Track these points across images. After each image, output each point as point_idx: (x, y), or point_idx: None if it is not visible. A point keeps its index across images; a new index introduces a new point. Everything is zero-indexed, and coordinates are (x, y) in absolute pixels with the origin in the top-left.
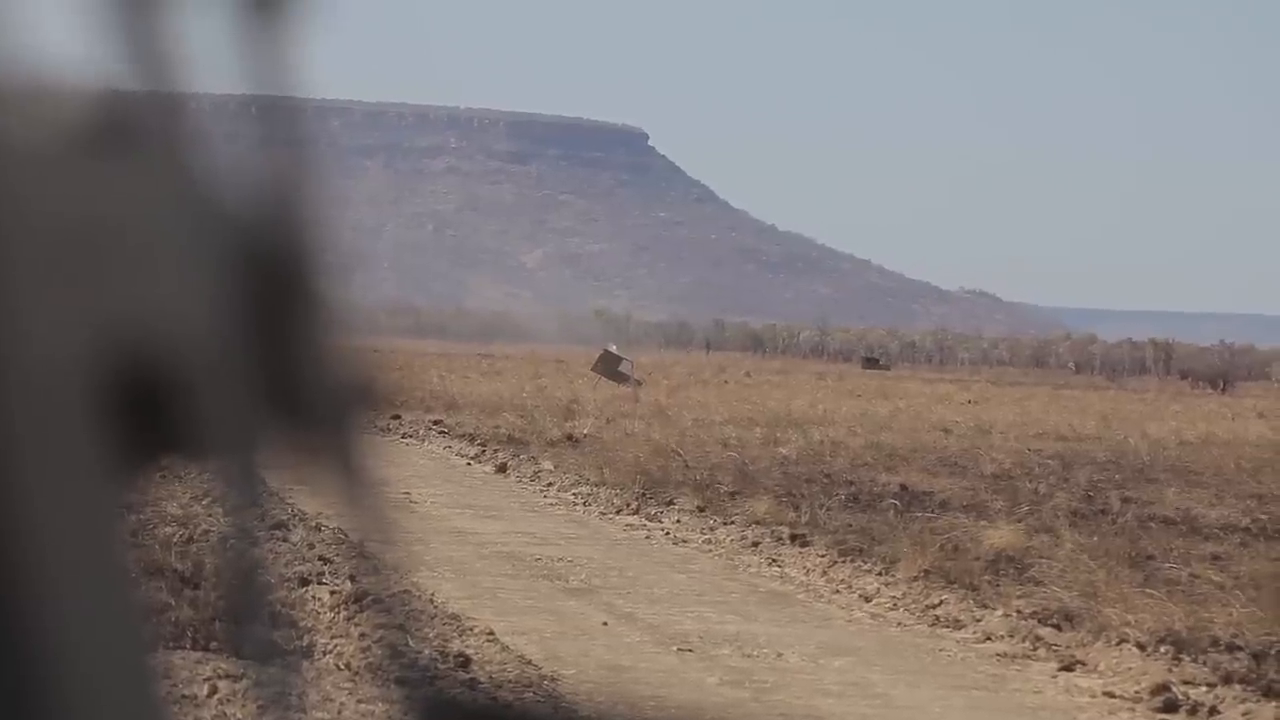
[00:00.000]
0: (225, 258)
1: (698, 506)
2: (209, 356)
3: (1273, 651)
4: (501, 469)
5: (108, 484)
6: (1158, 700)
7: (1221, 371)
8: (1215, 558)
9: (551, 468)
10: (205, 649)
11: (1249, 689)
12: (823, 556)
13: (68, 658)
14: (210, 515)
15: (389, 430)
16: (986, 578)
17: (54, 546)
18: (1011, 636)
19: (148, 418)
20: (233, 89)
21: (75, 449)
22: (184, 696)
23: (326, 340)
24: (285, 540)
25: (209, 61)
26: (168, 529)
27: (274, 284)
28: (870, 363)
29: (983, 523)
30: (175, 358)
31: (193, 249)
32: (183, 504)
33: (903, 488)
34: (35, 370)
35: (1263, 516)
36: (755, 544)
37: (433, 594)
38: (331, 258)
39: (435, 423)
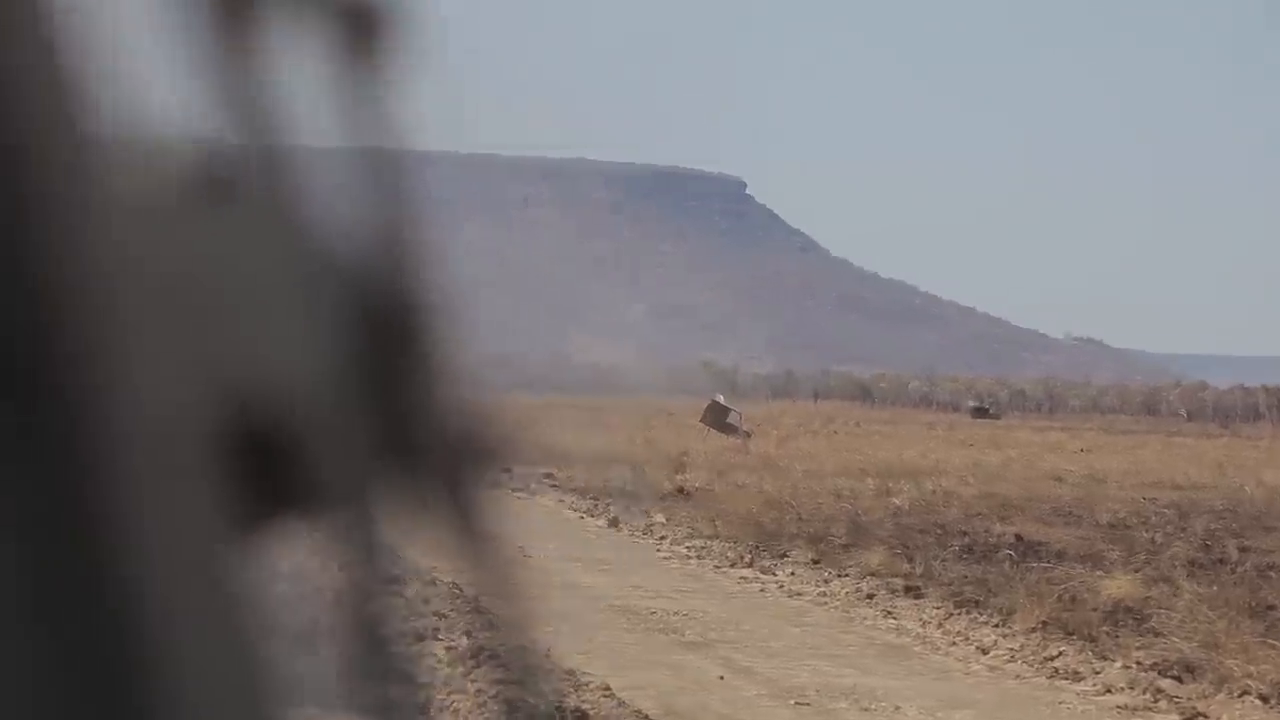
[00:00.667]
0: (336, 308)
1: (812, 559)
2: (323, 408)
3: None
4: (614, 522)
5: (228, 540)
6: None
7: None
8: None
9: (663, 520)
10: (322, 706)
11: None
12: (938, 608)
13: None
14: (324, 572)
15: (499, 483)
16: (1105, 629)
17: (177, 602)
18: (1132, 688)
19: (263, 471)
20: (336, 141)
21: (193, 504)
22: None
23: (440, 391)
24: (400, 595)
25: (311, 114)
26: (281, 586)
27: (385, 333)
28: (980, 412)
29: (1099, 573)
30: (288, 410)
31: (303, 300)
32: (295, 562)
33: (1018, 538)
34: (151, 423)
35: None
36: (870, 596)
37: (548, 649)
38: (439, 309)
39: (546, 475)
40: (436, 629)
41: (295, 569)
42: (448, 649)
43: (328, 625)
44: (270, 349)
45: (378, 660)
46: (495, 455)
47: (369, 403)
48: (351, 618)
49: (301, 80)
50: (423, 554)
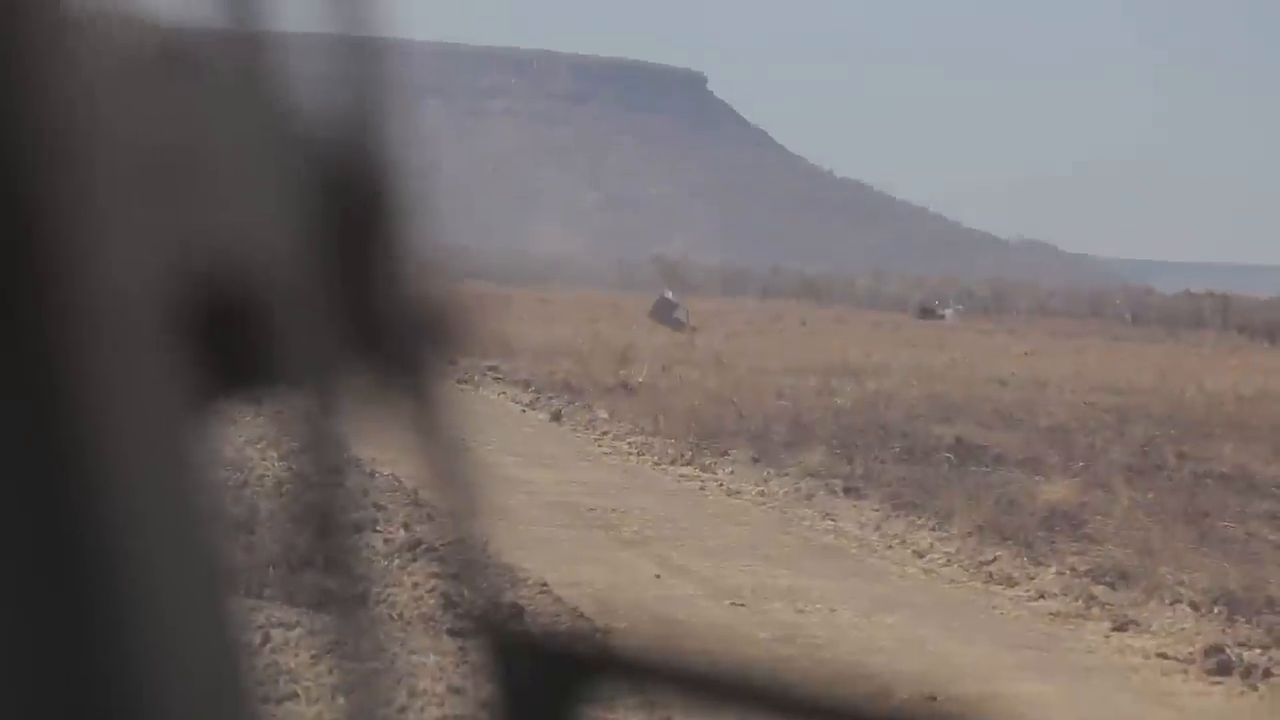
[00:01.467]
0: (303, 186)
1: (752, 457)
2: (287, 285)
3: None
4: (556, 416)
5: (187, 410)
6: (1211, 662)
7: None
8: (1272, 516)
9: (606, 415)
10: (259, 596)
11: None
12: (876, 510)
13: (148, 595)
14: (264, 459)
15: (444, 375)
16: (1041, 534)
17: (133, 472)
18: (1065, 595)
19: (226, 341)
20: (311, 25)
21: (154, 372)
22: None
23: (405, 276)
24: (340, 485)
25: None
26: (222, 472)
27: (354, 212)
28: (926, 313)
29: (1038, 478)
30: (254, 282)
31: (270, 176)
32: (236, 447)
33: (957, 441)
34: (116, 290)
35: None
36: (809, 496)
37: (485, 543)
38: (415, 197)
39: (490, 368)
40: (375, 521)
41: (235, 457)
42: (385, 541)
43: (268, 513)
44: (235, 223)
45: (317, 550)
46: (458, 342)
47: (333, 282)
48: (294, 506)
49: None
50: (365, 443)
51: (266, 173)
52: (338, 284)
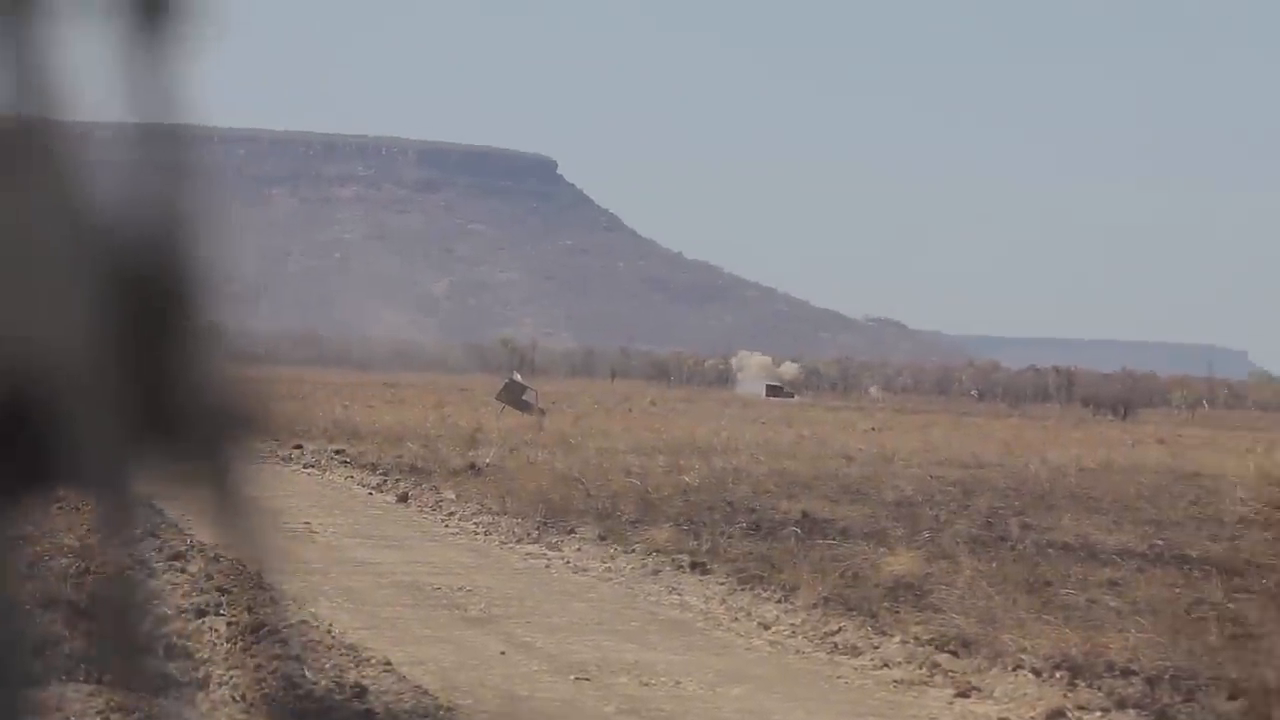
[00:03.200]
0: (99, 279)
1: (599, 535)
2: (81, 378)
3: (1166, 676)
4: (403, 498)
5: None
6: None
7: (1123, 398)
8: (1112, 583)
9: (453, 497)
10: (99, 681)
11: (1142, 714)
12: (722, 584)
13: None
14: (84, 546)
15: (290, 459)
16: (885, 605)
17: None
18: (909, 663)
19: (14, 442)
20: (123, 114)
21: None
22: None
23: (207, 365)
24: (184, 571)
25: (97, 86)
26: (63, 560)
27: (149, 305)
28: (774, 390)
29: (883, 550)
30: (45, 378)
31: (64, 269)
32: (79, 535)
33: (804, 515)
34: None
35: (1159, 542)
36: (655, 572)
37: (330, 624)
38: (227, 284)
39: (337, 452)
40: (219, 605)
41: (77, 545)
42: (229, 624)
43: (101, 601)
44: (27, 317)
45: (129, 636)
46: (270, 429)
47: (130, 374)
48: (105, 593)
49: (89, 56)
50: (206, 530)
51: (60, 264)
52: (131, 375)
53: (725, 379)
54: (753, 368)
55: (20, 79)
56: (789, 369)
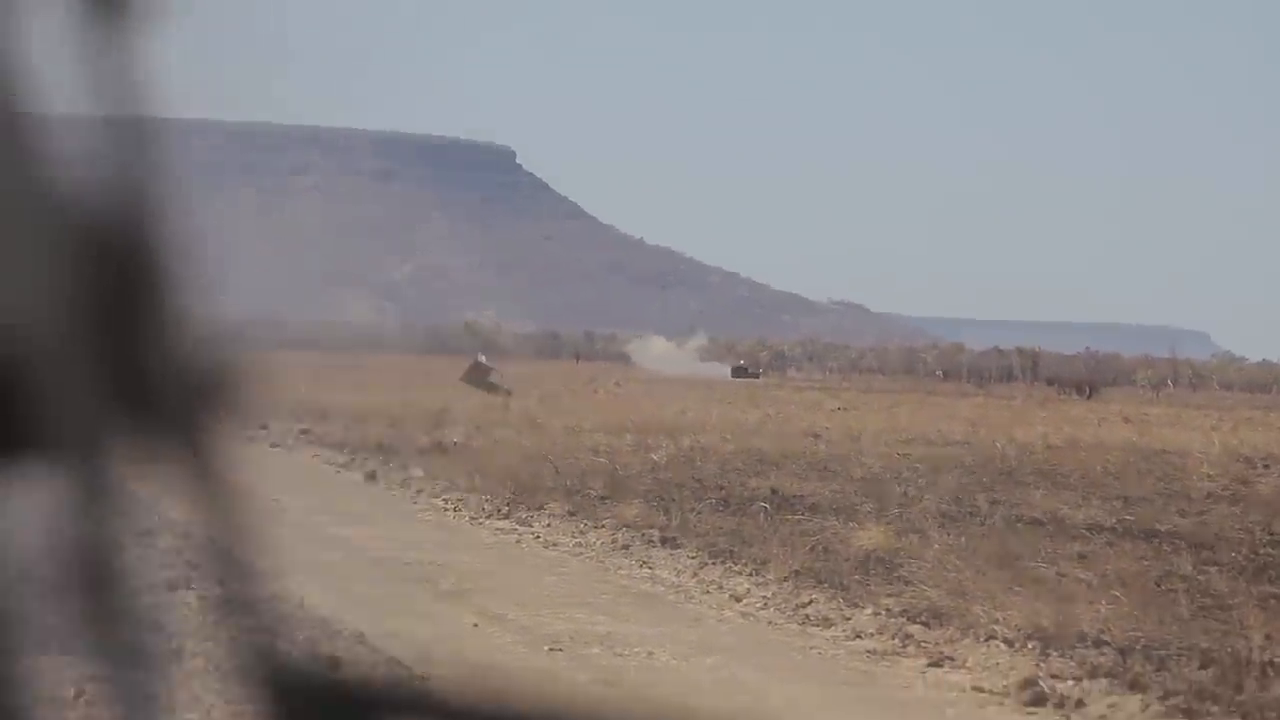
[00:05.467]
0: (70, 252)
1: (568, 511)
2: (53, 354)
3: (1137, 646)
4: (371, 476)
5: None
6: (1026, 694)
7: (1087, 378)
8: (1082, 557)
9: (421, 474)
10: (72, 653)
11: (1114, 682)
12: (693, 558)
13: None
14: (61, 518)
15: (255, 438)
16: (856, 577)
17: None
18: (881, 634)
19: None
20: (82, 102)
21: None
22: (51, 699)
23: (178, 342)
24: (153, 546)
25: (60, 77)
26: (35, 534)
27: (119, 280)
28: (740, 371)
29: (852, 525)
30: (17, 353)
31: (35, 243)
32: (52, 509)
33: (773, 491)
34: None
35: (1128, 517)
36: (626, 547)
37: (302, 599)
38: (189, 268)
39: (304, 431)
40: (190, 578)
41: (54, 516)
42: (200, 598)
43: (76, 574)
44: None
45: (107, 608)
46: (229, 404)
47: (101, 348)
48: (80, 565)
49: (50, 45)
50: (177, 504)
51: (29, 240)
52: (102, 351)
53: (624, 359)
54: (654, 350)
55: None
56: (698, 341)
